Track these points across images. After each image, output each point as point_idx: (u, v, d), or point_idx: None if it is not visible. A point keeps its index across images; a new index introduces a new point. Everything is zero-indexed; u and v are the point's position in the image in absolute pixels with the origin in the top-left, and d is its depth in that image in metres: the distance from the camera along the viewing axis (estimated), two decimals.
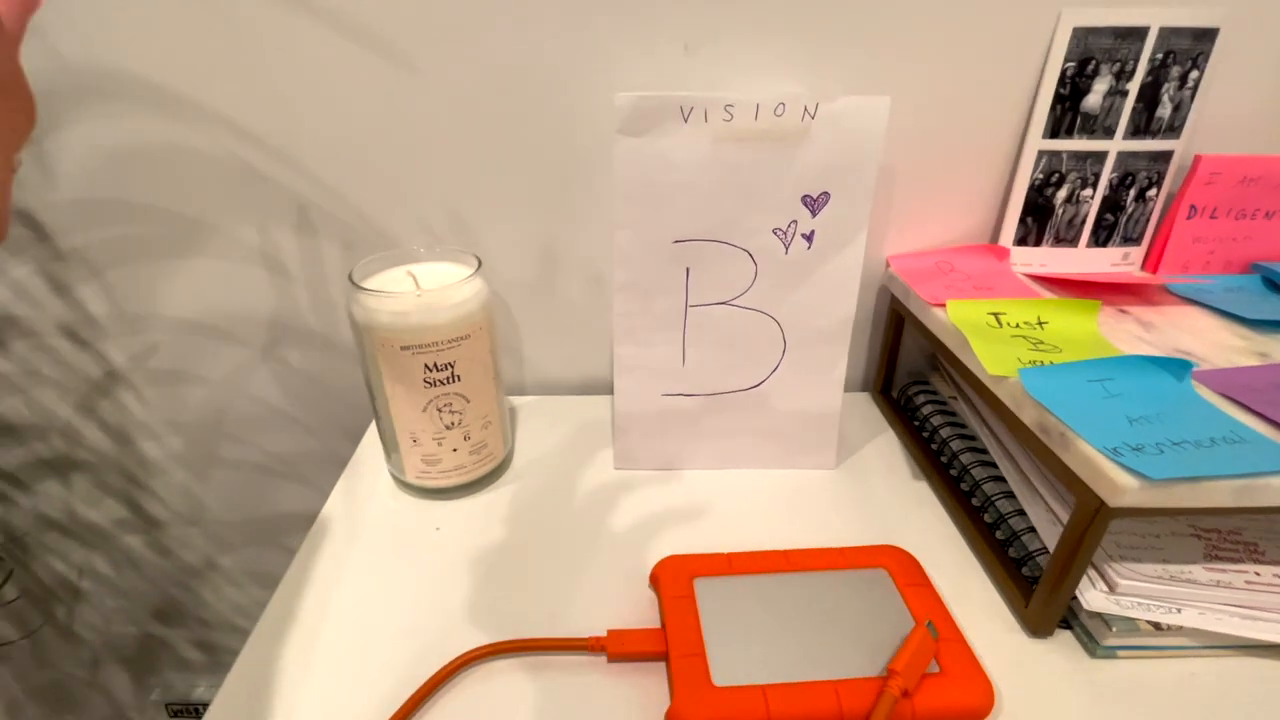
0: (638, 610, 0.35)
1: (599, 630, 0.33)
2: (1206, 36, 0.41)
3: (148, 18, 0.40)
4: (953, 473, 0.43)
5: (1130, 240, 0.47)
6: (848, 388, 0.55)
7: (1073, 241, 0.47)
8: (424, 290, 0.37)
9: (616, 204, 0.38)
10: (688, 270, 0.40)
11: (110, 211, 0.46)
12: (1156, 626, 0.31)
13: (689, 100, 0.35)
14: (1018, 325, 0.39)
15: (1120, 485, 0.27)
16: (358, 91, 0.43)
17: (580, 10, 0.40)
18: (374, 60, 0.42)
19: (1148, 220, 0.46)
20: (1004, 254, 0.47)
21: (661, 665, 0.31)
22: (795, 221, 0.39)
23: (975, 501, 0.40)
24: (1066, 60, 0.42)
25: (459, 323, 0.37)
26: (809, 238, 0.39)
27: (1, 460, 0.57)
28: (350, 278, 0.37)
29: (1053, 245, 0.47)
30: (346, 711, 0.30)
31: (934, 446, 0.45)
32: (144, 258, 0.48)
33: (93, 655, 0.72)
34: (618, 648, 0.31)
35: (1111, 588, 0.31)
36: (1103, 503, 0.28)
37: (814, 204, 0.38)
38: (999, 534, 0.38)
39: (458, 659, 0.31)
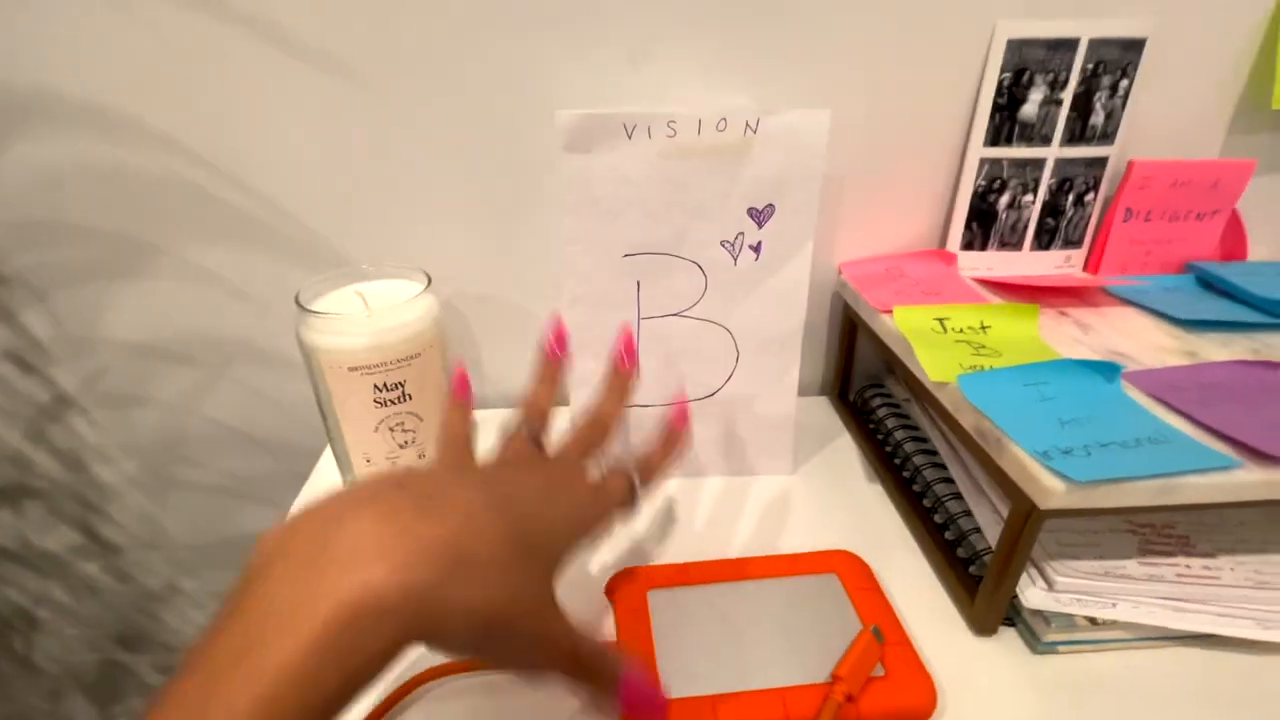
0: (595, 624, 0.35)
1: None
2: (1135, 46, 0.43)
3: (82, 36, 0.40)
4: (906, 474, 0.44)
5: (1071, 243, 0.49)
6: (807, 391, 0.56)
7: (1017, 245, 0.48)
8: (372, 310, 0.37)
9: (564, 220, 0.38)
10: (638, 283, 0.40)
11: (51, 233, 0.45)
12: (1093, 621, 0.32)
13: (632, 117, 0.36)
14: (961, 330, 0.40)
15: (1048, 488, 0.28)
16: (302, 108, 0.42)
17: (523, 23, 0.41)
18: (317, 76, 0.41)
19: (1087, 224, 0.48)
20: (951, 259, 0.48)
21: None
22: (742, 233, 0.39)
23: (927, 503, 0.41)
24: (1003, 71, 0.43)
25: (408, 342, 0.37)
26: (756, 249, 0.40)
27: None
28: (297, 300, 0.36)
29: (998, 249, 0.48)
30: None
31: (889, 449, 0.46)
32: (88, 280, 0.47)
33: (53, 685, 0.70)
34: None
35: (1050, 585, 0.32)
36: (1034, 505, 0.29)
37: (760, 216, 0.39)
38: (948, 534, 0.39)
39: (410, 681, 0.31)
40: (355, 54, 0.41)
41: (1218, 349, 0.39)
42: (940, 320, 0.41)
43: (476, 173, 0.45)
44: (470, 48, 0.41)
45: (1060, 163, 0.46)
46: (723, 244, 0.39)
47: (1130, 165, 0.45)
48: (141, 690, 0.73)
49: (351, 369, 0.36)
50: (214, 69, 0.41)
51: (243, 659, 0.16)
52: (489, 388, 0.54)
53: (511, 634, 0.20)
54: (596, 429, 0.29)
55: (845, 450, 0.49)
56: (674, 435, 0.31)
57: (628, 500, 0.27)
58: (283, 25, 0.40)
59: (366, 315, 0.36)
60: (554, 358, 0.31)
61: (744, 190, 0.38)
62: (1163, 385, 0.34)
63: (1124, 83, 0.43)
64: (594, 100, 0.42)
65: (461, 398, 0.29)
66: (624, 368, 0.31)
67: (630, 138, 0.36)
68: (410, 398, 0.38)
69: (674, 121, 0.36)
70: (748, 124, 0.36)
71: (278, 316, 0.49)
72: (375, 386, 0.36)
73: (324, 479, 0.46)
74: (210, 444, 0.55)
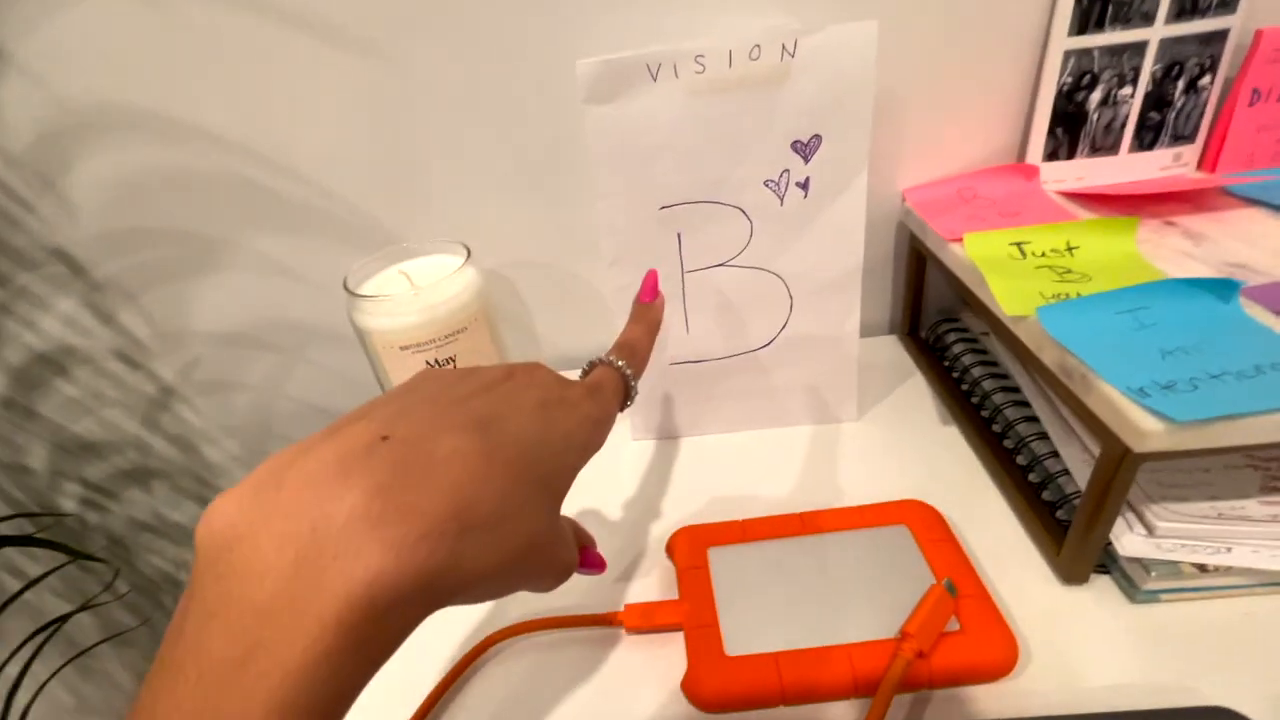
0: (659, 582, 0.35)
1: (621, 604, 0.34)
2: None
3: (133, 49, 0.41)
4: (984, 414, 0.41)
5: (1182, 138, 0.42)
6: (876, 331, 0.53)
7: (1112, 149, 0.42)
8: (417, 289, 0.37)
9: (595, 176, 0.37)
10: (679, 235, 0.38)
11: (133, 239, 0.49)
12: (1201, 568, 0.29)
13: (655, 57, 0.33)
14: (1043, 254, 0.36)
15: (1144, 430, 0.25)
16: (338, 91, 0.42)
17: None
18: (349, 58, 0.41)
19: (1202, 113, 0.41)
20: (1033, 173, 0.43)
21: (680, 635, 0.32)
22: (787, 170, 0.36)
23: (1008, 444, 0.38)
24: None
25: (453, 316, 0.37)
26: (804, 185, 0.37)
27: (89, 474, 0.62)
28: (345, 285, 0.37)
29: (1089, 156, 0.43)
30: (390, 687, 0.32)
31: (965, 388, 0.43)
32: (172, 279, 0.51)
33: None
34: (634, 621, 0.32)
35: (1151, 531, 0.29)
36: (1127, 448, 0.26)
37: (805, 149, 0.36)
38: (1032, 477, 0.36)
39: (486, 639, 0.33)
40: (381, 30, 0.40)
41: None
42: (1018, 245, 0.37)
43: (512, 137, 0.44)
44: (489, 9, 0.39)
45: (1166, 44, 0.39)
46: (766, 184, 0.37)
47: (1258, 35, 0.38)
48: None
49: (403, 347, 0.36)
50: (250, 64, 0.41)
51: (247, 665, 0.14)
52: (545, 351, 0.54)
53: (527, 573, 0.20)
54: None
55: (917, 391, 0.46)
56: (645, 309, 0.31)
57: (623, 390, 0.26)
58: (310, 13, 0.40)
59: (414, 294, 0.37)
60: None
61: (786, 123, 0.35)
62: None
63: None
64: (625, 47, 0.40)
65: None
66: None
67: (656, 80, 0.34)
68: None
69: (702, 56, 0.33)
70: (784, 48, 0.33)
71: (341, 298, 0.51)
72: (427, 363, 0.37)
73: None
74: (297, 422, 0.59)
